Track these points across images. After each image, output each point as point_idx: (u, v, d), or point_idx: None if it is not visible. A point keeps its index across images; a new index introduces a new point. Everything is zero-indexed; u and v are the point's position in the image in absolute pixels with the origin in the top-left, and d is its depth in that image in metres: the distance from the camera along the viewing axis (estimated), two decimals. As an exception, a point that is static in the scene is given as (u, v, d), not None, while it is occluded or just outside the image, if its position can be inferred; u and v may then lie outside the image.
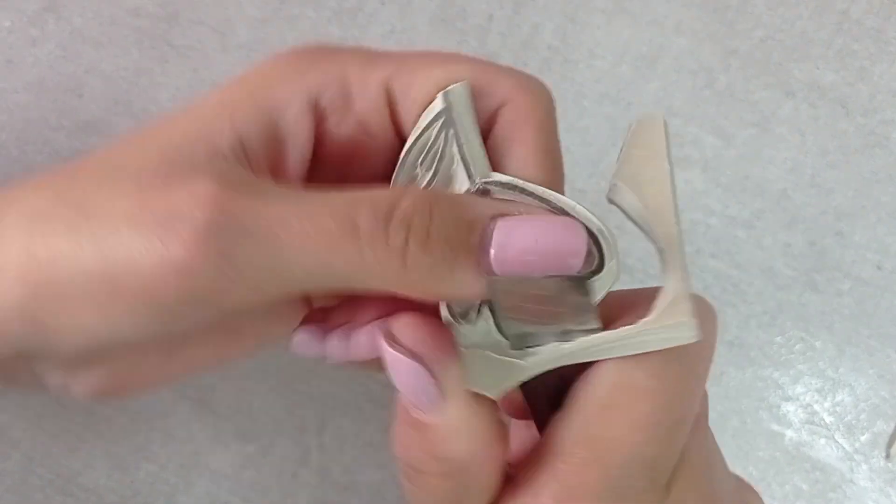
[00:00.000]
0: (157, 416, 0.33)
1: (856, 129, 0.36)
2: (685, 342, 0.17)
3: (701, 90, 0.36)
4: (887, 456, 0.34)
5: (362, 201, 0.17)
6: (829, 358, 0.34)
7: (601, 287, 0.18)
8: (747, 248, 0.35)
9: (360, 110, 0.19)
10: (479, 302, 0.18)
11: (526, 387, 0.20)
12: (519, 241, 0.17)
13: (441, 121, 0.18)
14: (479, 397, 0.18)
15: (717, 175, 0.36)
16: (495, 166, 0.19)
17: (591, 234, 0.18)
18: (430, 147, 0.19)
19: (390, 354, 0.18)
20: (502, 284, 0.17)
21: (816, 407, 0.34)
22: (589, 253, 0.17)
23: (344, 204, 0.17)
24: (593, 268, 0.18)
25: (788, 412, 0.34)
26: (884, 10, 0.37)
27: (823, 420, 0.34)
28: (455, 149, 0.18)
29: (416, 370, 0.17)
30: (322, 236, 0.16)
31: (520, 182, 0.18)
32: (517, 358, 0.18)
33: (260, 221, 0.16)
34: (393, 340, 0.18)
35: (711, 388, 0.34)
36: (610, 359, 0.18)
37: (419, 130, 0.19)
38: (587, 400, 0.18)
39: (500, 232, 0.17)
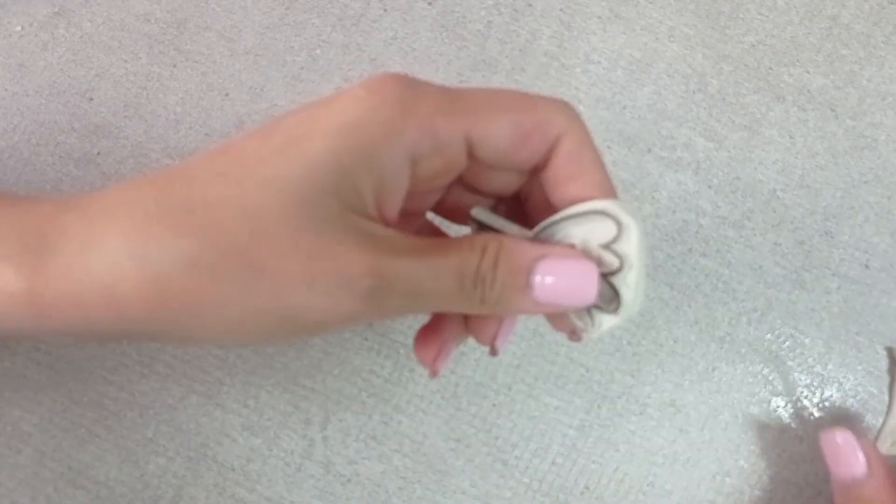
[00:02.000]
0: (166, 409, 0.34)
1: (844, 131, 0.37)
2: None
3: (693, 94, 0.37)
4: (875, 450, 0.35)
5: (466, 264, 0.23)
6: (817, 354, 0.35)
7: (629, 251, 0.23)
8: (738, 247, 0.36)
9: (447, 155, 0.24)
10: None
11: None
12: (550, 282, 0.23)
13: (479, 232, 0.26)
14: None
15: (709, 176, 0.37)
16: (566, 181, 0.25)
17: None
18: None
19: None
20: None
21: (805, 402, 0.35)
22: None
23: (456, 267, 0.23)
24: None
25: (778, 407, 0.35)
26: (872, 16, 0.38)
27: (812, 415, 0.35)
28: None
29: (858, 462, 0.31)
30: (444, 293, 0.23)
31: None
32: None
33: (405, 284, 0.22)
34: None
35: (703, 383, 0.35)
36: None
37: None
38: None
39: (539, 273, 0.23)
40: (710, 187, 0.36)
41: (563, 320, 0.26)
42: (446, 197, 0.27)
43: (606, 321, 0.24)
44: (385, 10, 0.38)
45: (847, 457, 0.31)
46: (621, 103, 0.37)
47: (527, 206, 0.27)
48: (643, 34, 0.38)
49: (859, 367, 0.35)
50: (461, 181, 0.26)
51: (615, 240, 0.23)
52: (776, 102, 0.37)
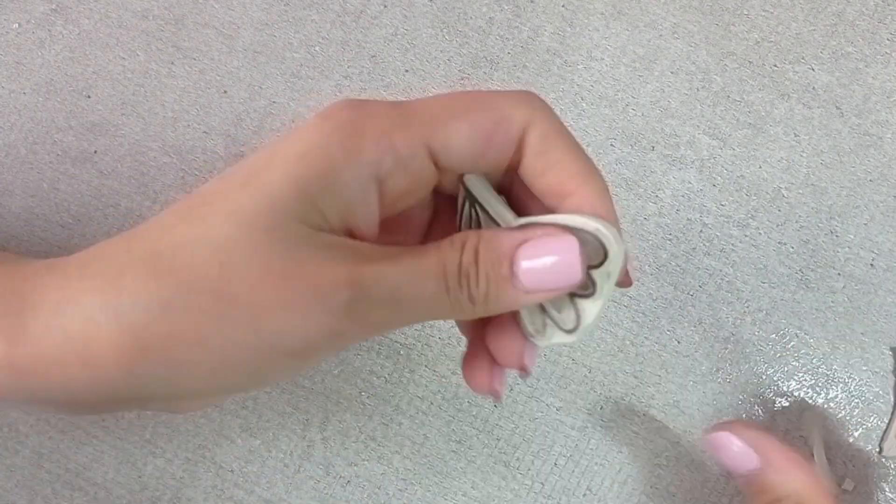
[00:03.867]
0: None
1: (849, 129, 0.37)
2: None
3: (697, 91, 0.37)
4: (880, 450, 0.34)
5: (447, 262, 0.22)
6: (822, 354, 0.35)
7: (612, 272, 0.23)
8: (742, 246, 0.36)
9: (412, 170, 0.23)
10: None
11: None
12: (534, 266, 0.22)
13: (468, 202, 0.24)
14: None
15: (713, 174, 0.36)
16: (541, 175, 0.24)
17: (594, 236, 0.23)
18: (470, 220, 0.25)
19: (732, 445, 0.28)
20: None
21: (810, 402, 0.35)
22: (593, 252, 0.23)
23: (436, 267, 0.22)
24: (601, 259, 0.23)
25: (783, 407, 0.35)
26: (877, 13, 0.38)
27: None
28: (484, 217, 0.24)
29: (746, 455, 0.28)
30: (428, 297, 0.22)
31: (533, 219, 0.23)
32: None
33: (384, 291, 0.21)
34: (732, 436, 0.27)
35: (707, 384, 0.34)
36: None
37: (459, 208, 0.25)
38: None
39: (521, 259, 0.22)
40: (714, 186, 0.36)
41: (512, 349, 0.25)
42: (435, 217, 0.26)
43: (558, 336, 0.24)
44: (385, 7, 0.37)
45: (735, 455, 0.28)
46: (624, 101, 0.37)
47: (511, 199, 0.26)
48: (646, 31, 0.37)
49: (864, 368, 0.35)
50: (443, 195, 0.25)
51: (597, 266, 0.22)
52: (781, 100, 0.37)
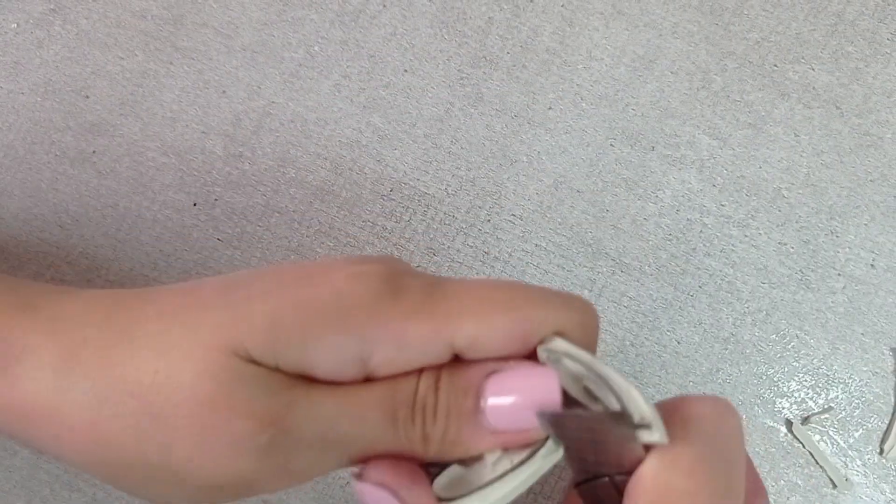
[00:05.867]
0: (163, 411, 0.33)
1: (850, 129, 0.37)
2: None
3: (697, 91, 0.37)
4: (881, 451, 0.34)
5: (398, 392, 0.20)
6: (822, 355, 0.35)
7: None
8: (742, 246, 0.36)
9: (415, 357, 0.20)
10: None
11: None
12: (505, 402, 0.19)
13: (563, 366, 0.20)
14: None
15: (713, 175, 0.36)
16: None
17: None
18: (585, 393, 0.21)
19: (360, 487, 0.20)
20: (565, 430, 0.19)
21: (811, 403, 0.35)
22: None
23: (385, 398, 0.19)
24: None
25: (783, 408, 0.34)
26: (878, 12, 0.38)
27: (818, 416, 0.34)
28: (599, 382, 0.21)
29: (383, 497, 0.19)
30: (372, 432, 0.19)
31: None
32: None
33: (314, 427, 0.19)
34: (361, 476, 0.20)
35: (707, 384, 0.34)
36: (646, 469, 0.19)
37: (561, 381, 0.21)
38: None
39: (489, 389, 0.19)
40: (714, 186, 0.36)
41: None
42: None
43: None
44: (384, 6, 0.37)
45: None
46: (624, 101, 0.37)
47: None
48: (646, 30, 0.37)
49: (865, 368, 0.35)
50: None
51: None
52: (781, 100, 0.37)
